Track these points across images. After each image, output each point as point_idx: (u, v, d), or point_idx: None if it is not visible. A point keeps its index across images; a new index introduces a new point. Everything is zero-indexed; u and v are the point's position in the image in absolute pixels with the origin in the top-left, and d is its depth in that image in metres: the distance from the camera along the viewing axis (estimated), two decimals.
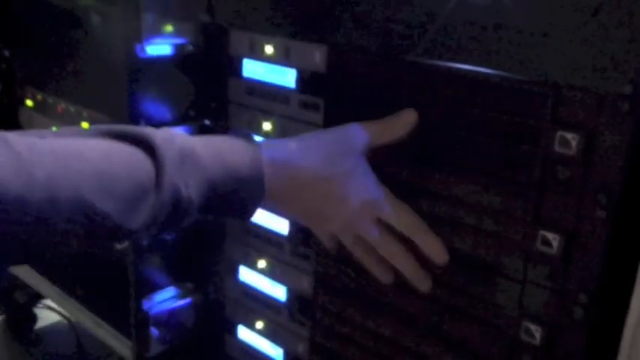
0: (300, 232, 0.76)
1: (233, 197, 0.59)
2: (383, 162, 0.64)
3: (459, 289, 0.63)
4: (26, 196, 0.46)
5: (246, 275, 0.84)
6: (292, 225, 0.76)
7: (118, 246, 0.85)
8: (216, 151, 0.58)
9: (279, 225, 0.78)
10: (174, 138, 0.56)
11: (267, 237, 0.80)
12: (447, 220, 0.62)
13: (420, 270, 0.64)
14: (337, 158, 0.62)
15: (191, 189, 0.55)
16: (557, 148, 0.54)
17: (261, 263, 0.81)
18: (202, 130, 0.82)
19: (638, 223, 0.52)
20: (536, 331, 0.58)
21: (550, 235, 0.56)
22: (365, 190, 0.63)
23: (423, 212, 0.64)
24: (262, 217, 0.79)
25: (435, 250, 0.63)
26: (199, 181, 0.56)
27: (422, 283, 0.64)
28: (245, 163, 0.58)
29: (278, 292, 0.80)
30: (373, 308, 0.70)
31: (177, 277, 0.89)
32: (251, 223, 0.80)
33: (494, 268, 0.60)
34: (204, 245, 0.88)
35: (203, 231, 0.87)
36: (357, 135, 0.63)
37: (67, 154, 0.50)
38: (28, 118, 1.09)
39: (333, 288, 0.74)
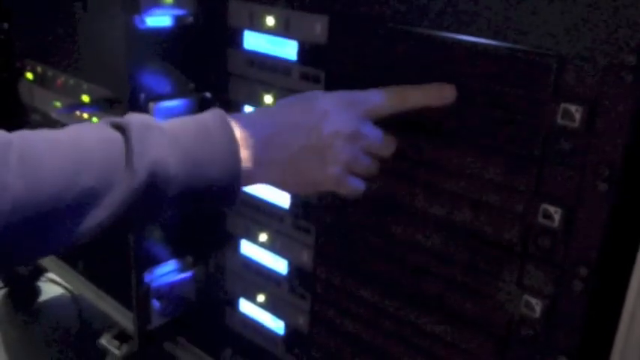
0: (301, 206, 0.76)
1: (211, 172, 0.54)
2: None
3: (459, 262, 0.63)
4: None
5: (247, 249, 0.84)
6: (293, 198, 0.76)
7: None
8: (196, 136, 0.55)
9: (280, 198, 0.78)
10: (144, 117, 0.55)
11: (268, 210, 0.80)
12: (448, 193, 0.62)
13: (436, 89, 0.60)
14: (296, 97, 0.60)
15: (168, 154, 0.52)
16: (559, 121, 0.54)
17: (262, 236, 0.81)
18: (203, 103, 0.81)
19: (639, 196, 0.52)
20: (536, 304, 0.58)
21: (552, 209, 0.56)
22: (337, 96, 0.60)
23: (422, 183, 0.63)
24: (263, 191, 0.79)
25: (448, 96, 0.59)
26: (174, 149, 0.53)
27: (447, 96, 0.60)
28: (223, 141, 0.55)
29: (279, 265, 0.80)
30: (373, 281, 0.70)
31: (179, 250, 0.89)
32: (252, 196, 0.80)
33: (495, 241, 0.60)
34: (205, 219, 0.88)
35: None
36: (319, 94, 0.61)
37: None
38: (28, 90, 1.08)
39: (333, 261, 0.74)
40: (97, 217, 0.50)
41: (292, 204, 0.77)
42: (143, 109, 0.76)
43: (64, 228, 0.50)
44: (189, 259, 0.90)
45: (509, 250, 0.59)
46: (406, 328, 0.68)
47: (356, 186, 0.62)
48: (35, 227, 0.48)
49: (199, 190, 0.54)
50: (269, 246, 0.81)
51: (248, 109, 0.78)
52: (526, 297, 0.59)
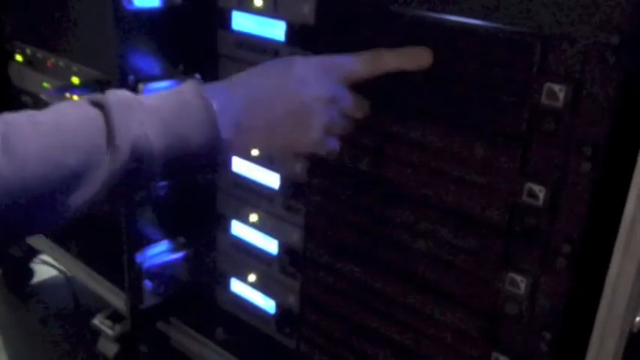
0: (291, 186, 0.76)
1: (191, 143, 0.55)
2: (368, 113, 0.64)
3: (445, 241, 0.64)
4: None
5: (238, 229, 0.85)
6: (283, 179, 0.77)
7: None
8: (163, 103, 0.56)
9: (270, 179, 0.78)
10: (123, 93, 0.55)
11: (258, 191, 0.80)
12: (434, 172, 0.63)
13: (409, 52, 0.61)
14: (272, 62, 0.61)
15: (148, 129, 0.53)
16: (543, 100, 0.54)
17: (253, 217, 0.82)
18: None
19: (622, 175, 0.52)
20: (521, 281, 0.59)
21: (536, 187, 0.56)
22: (313, 62, 0.61)
23: (409, 164, 0.64)
24: (253, 172, 0.80)
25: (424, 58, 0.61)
26: (154, 123, 0.53)
27: (422, 58, 0.61)
28: (200, 111, 0.56)
29: (269, 245, 0.81)
30: (362, 260, 0.71)
31: (170, 231, 0.89)
32: (242, 176, 0.81)
33: (481, 220, 0.61)
34: (196, 200, 0.88)
35: (195, 186, 0.88)
36: (295, 57, 0.62)
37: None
38: (18, 72, 1.08)
39: (322, 241, 0.75)
40: (83, 195, 0.51)
41: (282, 185, 0.77)
42: (132, 90, 0.76)
43: (51, 207, 0.50)
44: (181, 239, 0.90)
45: (494, 228, 0.60)
46: (394, 307, 0.69)
47: (333, 146, 0.63)
48: (22, 207, 0.49)
49: (181, 161, 0.55)
50: (259, 226, 0.82)
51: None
52: (511, 275, 0.60)
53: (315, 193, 0.74)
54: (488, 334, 0.62)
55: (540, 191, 0.56)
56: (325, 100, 0.60)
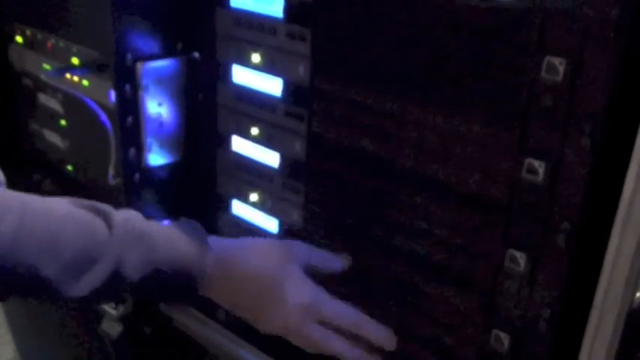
0: (291, 165, 0.76)
1: (171, 284, 0.63)
2: (368, 93, 0.64)
3: (444, 218, 0.63)
4: None
5: (239, 209, 0.85)
6: (283, 158, 0.76)
7: (112, 181, 0.86)
8: (169, 238, 0.63)
9: (270, 158, 0.78)
10: (131, 217, 0.62)
11: (258, 170, 0.80)
12: (433, 149, 0.62)
13: (367, 356, 0.67)
14: (277, 262, 0.66)
15: (132, 268, 0.59)
16: (543, 74, 0.53)
17: (253, 197, 0.81)
18: (190, 63, 0.81)
19: (622, 151, 0.52)
20: (521, 257, 0.59)
21: (536, 163, 0.56)
22: (302, 294, 0.66)
23: (408, 141, 0.64)
24: (252, 151, 0.79)
25: (383, 339, 0.67)
26: (144, 262, 0.60)
27: None
28: (192, 252, 0.63)
29: (270, 224, 0.81)
30: (361, 239, 0.71)
31: (170, 212, 0.89)
32: (242, 155, 0.81)
33: (480, 196, 0.60)
34: (195, 181, 0.88)
35: (194, 167, 0.88)
36: (301, 250, 0.69)
37: (32, 208, 0.56)
38: (18, 54, 1.07)
39: (322, 220, 0.74)
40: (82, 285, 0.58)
41: (282, 163, 0.77)
42: (130, 69, 0.76)
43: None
44: (182, 220, 0.90)
45: (493, 204, 0.60)
46: (393, 285, 0.69)
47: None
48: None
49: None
50: (260, 206, 0.81)
51: (236, 68, 0.78)
52: (511, 251, 0.59)
53: (315, 173, 0.73)
54: (488, 311, 0.62)
55: (540, 167, 0.56)
56: (287, 328, 0.66)
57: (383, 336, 0.67)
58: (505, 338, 0.62)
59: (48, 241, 0.56)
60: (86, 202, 0.61)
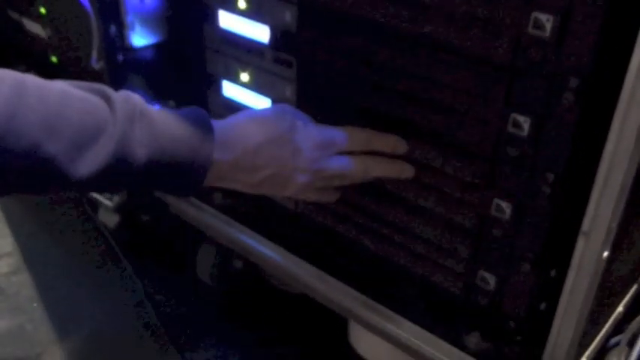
0: (281, 37, 0.72)
1: (178, 168, 0.58)
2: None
3: (436, 169, 0.64)
4: None
5: (229, 90, 0.82)
6: (273, 30, 0.73)
7: (96, 65, 0.83)
8: (174, 117, 0.59)
9: (260, 33, 0.74)
10: (132, 96, 0.58)
11: (247, 46, 0.76)
12: (420, 100, 0.62)
13: (398, 165, 0.67)
14: (277, 122, 0.65)
15: (138, 145, 0.55)
16: (530, 30, 0.52)
17: (244, 76, 0.78)
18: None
19: (605, 107, 0.51)
20: (507, 207, 0.60)
21: (521, 118, 0.56)
22: (313, 135, 0.65)
23: (394, 91, 0.63)
24: (241, 26, 0.76)
25: (393, 145, 0.66)
26: (150, 141, 0.56)
27: (405, 172, 0.67)
28: (197, 133, 0.59)
29: (261, 104, 0.79)
30: (357, 115, 0.69)
31: (159, 95, 0.87)
32: (229, 32, 0.77)
33: (467, 149, 0.61)
34: (184, 61, 0.85)
35: (181, 47, 0.84)
36: (290, 107, 0.69)
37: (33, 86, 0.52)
38: None
39: (315, 96, 0.72)
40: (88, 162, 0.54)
41: (272, 37, 0.73)
42: None
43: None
44: (172, 103, 0.88)
45: (480, 157, 0.60)
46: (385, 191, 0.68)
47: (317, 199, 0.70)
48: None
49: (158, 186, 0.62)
50: (251, 85, 0.79)
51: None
52: (496, 200, 0.61)
53: (307, 44, 0.70)
54: (474, 255, 0.62)
55: (525, 122, 0.56)
56: (312, 172, 0.65)
57: (392, 142, 0.66)
58: (491, 278, 0.65)
59: (48, 115, 0.51)
60: (82, 82, 0.57)
